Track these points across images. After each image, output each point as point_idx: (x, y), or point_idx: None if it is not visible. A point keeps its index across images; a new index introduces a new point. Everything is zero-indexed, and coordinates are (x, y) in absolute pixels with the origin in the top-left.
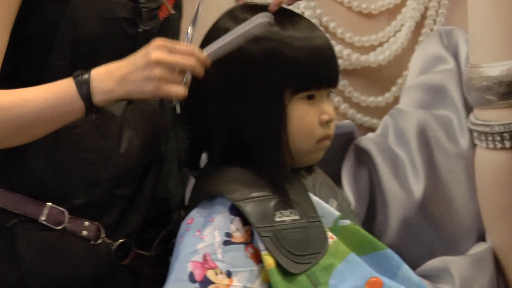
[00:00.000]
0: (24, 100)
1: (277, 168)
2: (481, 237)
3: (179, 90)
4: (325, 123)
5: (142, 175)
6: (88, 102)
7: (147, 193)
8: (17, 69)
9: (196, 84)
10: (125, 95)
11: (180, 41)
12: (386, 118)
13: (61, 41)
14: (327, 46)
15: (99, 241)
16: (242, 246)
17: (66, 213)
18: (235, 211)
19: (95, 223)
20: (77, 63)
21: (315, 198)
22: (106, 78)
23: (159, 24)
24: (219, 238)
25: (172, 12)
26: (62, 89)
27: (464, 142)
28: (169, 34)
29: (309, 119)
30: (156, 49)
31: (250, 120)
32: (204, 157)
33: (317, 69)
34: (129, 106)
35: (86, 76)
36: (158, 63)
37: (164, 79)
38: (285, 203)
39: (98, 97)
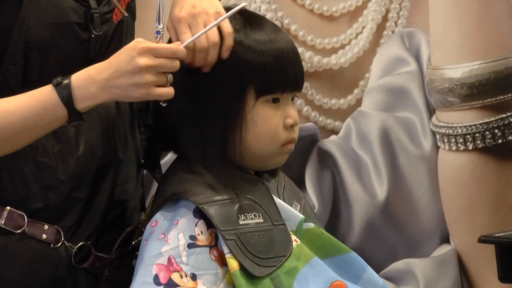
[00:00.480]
0: (5, 112)
1: (240, 171)
2: (445, 239)
3: (169, 91)
4: (290, 127)
5: (100, 177)
6: (71, 109)
7: (105, 195)
8: None
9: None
10: (110, 99)
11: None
12: (348, 120)
13: (14, 46)
14: (292, 49)
15: (59, 245)
16: (207, 249)
17: (25, 216)
18: (200, 213)
19: (55, 226)
20: (30, 68)
21: (279, 201)
22: (88, 83)
23: (113, 28)
24: (183, 241)
25: (126, 14)
26: (44, 97)
27: (427, 144)
28: (123, 36)
29: (273, 123)
30: (142, 55)
31: (212, 122)
32: (167, 159)
33: (281, 72)
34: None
35: (66, 82)
36: (147, 69)
37: (154, 83)
38: (249, 206)
39: (81, 104)
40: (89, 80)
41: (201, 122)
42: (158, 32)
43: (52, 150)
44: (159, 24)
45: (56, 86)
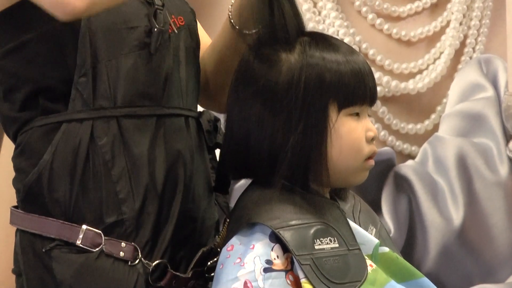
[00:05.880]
0: None
1: (316, 195)
2: None
3: None
4: (371, 140)
5: (170, 193)
6: None
7: (176, 210)
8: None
9: (240, 113)
10: None
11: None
12: (425, 145)
13: (82, 59)
14: (368, 68)
15: (136, 262)
16: (283, 273)
17: (102, 235)
18: (276, 238)
19: (132, 243)
20: (100, 78)
21: (354, 225)
22: None
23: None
24: (259, 265)
25: (176, 31)
26: None
27: (503, 170)
28: (180, 44)
29: (357, 135)
30: None
31: (294, 140)
32: (242, 182)
33: (360, 85)
34: (158, 124)
35: None
36: None
37: None
38: (324, 230)
39: None
40: None
41: (282, 142)
42: None
43: (126, 165)
44: None
45: None
